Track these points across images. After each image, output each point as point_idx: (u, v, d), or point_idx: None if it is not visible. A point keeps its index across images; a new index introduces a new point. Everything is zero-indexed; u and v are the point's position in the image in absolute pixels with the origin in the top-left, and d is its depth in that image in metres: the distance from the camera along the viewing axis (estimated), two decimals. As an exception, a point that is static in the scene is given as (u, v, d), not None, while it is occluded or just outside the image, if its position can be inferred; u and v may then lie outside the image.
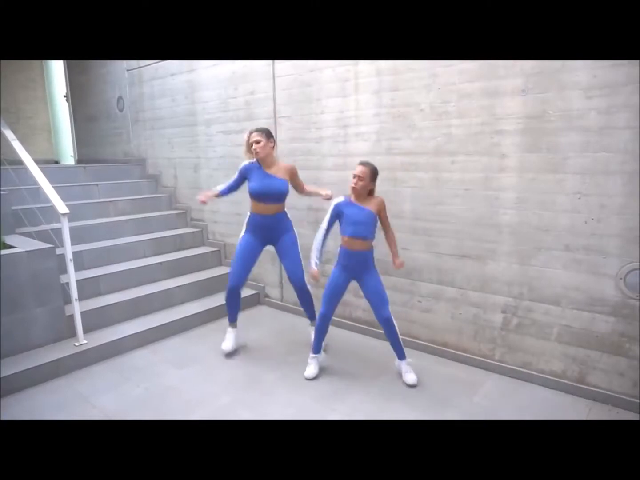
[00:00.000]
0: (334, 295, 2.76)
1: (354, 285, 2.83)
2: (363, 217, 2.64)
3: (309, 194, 3.22)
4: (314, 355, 2.89)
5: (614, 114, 2.27)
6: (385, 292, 2.74)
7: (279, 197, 3.02)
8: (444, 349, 3.09)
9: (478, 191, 2.79)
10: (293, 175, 3.08)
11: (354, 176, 2.62)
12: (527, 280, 2.69)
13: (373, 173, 2.63)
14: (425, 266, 3.11)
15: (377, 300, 2.71)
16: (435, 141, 2.91)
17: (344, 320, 3.59)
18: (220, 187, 3.11)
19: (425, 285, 3.13)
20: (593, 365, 2.53)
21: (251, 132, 3.00)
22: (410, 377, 2.73)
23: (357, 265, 2.71)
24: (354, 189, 2.63)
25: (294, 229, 3.15)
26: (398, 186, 3.13)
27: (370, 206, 2.66)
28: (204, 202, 3.06)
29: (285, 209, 3.12)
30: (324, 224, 2.73)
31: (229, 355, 3.21)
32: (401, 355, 2.77)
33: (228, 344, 3.22)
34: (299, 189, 3.18)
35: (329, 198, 2.99)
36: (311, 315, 3.26)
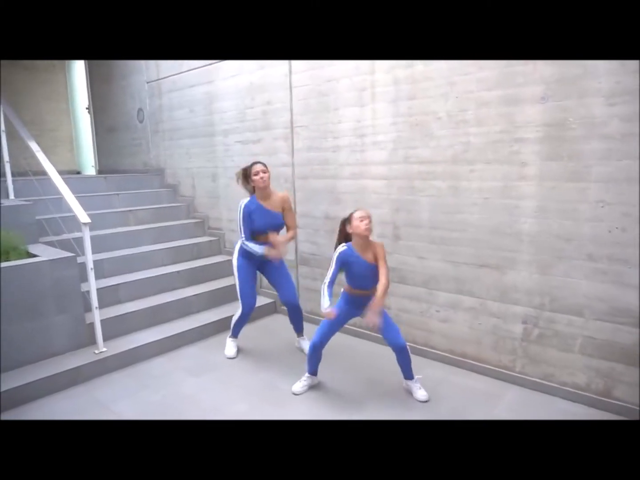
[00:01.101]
0: (332, 328, 2.68)
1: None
2: (367, 271, 2.55)
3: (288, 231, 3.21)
4: (309, 375, 2.85)
5: (637, 121, 2.23)
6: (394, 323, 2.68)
7: (278, 229, 3.15)
8: (462, 359, 3.05)
9: (497, 200, 2.75)
10: (286, 204, 3.16)
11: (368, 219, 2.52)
12: (548, 290, 2.64)
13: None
14: (443, 275, 3.07)
15: (390, 331, 2.62)
16: (453, 149, 2.89)
17: (358, 329, 3.56)
18: (247, 240, 3.10)
19: (443, 294, 3.10)
20: (618, 378, 2.46)
21: (253, 164, 3.07)
22: (421, 394, 2.67)
23: (362, 305, 2.60)
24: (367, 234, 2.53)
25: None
26: (415, 195, 3.12)
27: (369, 257, 2.55)
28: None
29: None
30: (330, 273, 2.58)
31: (245, 363, 3.22)
32: (410, 376, 2.71)
33: (233, 350, 3.36)
34: (288, 222, 3.18)
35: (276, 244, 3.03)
36: (300, 329, 3.41)
